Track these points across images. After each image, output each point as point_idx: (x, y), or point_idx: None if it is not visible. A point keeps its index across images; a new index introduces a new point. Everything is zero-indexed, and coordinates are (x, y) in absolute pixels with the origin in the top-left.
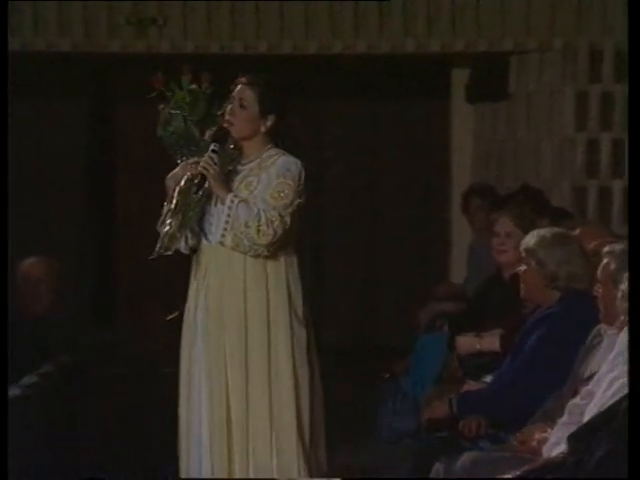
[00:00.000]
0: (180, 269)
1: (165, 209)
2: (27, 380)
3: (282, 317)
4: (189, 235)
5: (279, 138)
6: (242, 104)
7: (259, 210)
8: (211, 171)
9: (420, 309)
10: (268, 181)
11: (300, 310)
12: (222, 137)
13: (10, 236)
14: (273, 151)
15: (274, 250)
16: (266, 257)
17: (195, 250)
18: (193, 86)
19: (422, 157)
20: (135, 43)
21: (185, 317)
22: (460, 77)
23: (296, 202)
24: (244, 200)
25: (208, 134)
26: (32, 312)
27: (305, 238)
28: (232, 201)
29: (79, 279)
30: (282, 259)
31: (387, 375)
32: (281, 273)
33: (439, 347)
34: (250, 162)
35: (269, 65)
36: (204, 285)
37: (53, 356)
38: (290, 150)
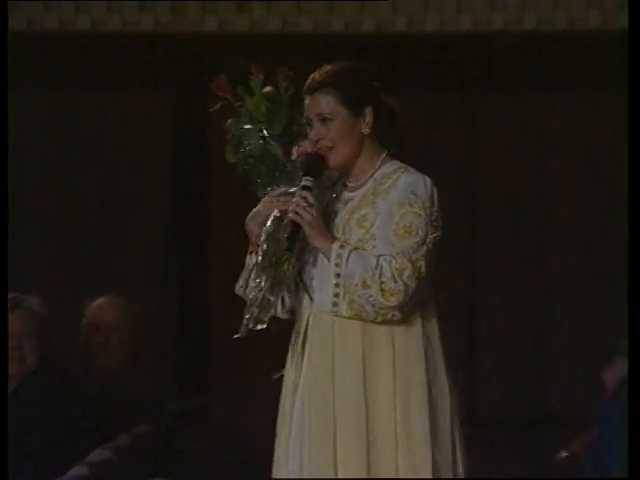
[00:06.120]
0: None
1: (248, 263)
2: (97, 456)
3: (415, 402)
4: (286, 295)
5: (391, 140)
6: (324, 118)
7: (379, 259)
8: (305, 217)
9: (604, 369)
10: (389, 212)
11: (442, 386)
12: (314, 165)
13: (74, 269)
14: (389, 165)
15: (408, 310)
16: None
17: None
18: (268, 88)
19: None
20: (235, 20)
21: (281, 402)
22: None
23: (430, 238)
24: (356, 248)
25: (295, 152)
26: (101, 368)
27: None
28: (339, 255)
29: (162, 327)
30: (417, 319)
31: (565, 454)
32: (414, 338)
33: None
34: (361, 186)
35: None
36: (302, 362)
37: (129, 425)
38: (413, 156)
